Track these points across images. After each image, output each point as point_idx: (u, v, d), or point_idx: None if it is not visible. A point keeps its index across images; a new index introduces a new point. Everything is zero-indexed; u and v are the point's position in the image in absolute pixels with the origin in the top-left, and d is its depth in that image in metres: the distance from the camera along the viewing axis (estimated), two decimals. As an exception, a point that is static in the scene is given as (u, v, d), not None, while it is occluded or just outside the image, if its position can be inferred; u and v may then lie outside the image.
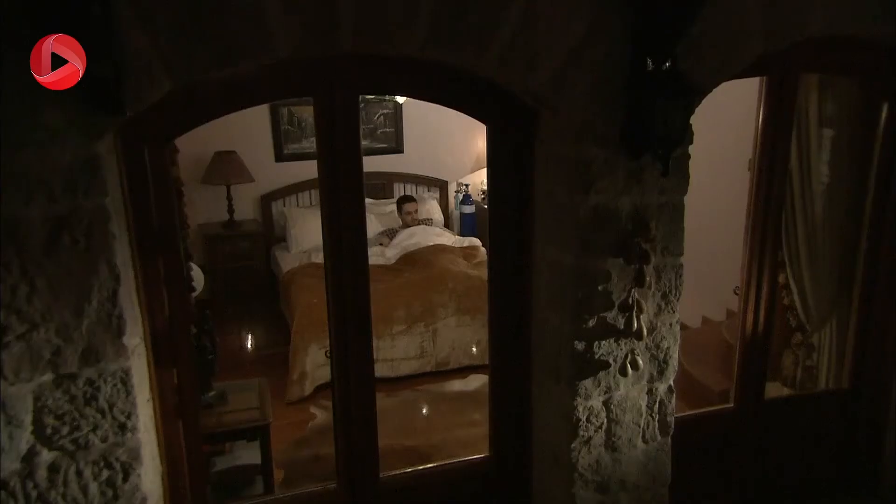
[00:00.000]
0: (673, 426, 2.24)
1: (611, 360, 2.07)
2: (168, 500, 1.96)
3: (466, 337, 4.55)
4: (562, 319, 2.08)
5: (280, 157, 5.99)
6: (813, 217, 2.86)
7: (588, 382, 2.06)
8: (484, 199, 6.51)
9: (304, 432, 3.73)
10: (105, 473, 1.68)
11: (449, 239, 5.82)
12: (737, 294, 2.69)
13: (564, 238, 2.03)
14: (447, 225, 6.57)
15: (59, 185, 1.47)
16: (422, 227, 5.83)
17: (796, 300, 2.94)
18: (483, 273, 4.79)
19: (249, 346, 5.09)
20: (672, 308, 2.12)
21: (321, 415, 3.90)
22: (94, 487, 1.68)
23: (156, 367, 1.90)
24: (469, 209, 6.45)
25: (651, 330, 2.10)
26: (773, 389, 3.00)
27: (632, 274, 2.00)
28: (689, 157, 2.00)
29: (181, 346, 1.97)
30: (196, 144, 5.26)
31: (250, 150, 5.73)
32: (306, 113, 5.92)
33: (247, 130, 5.78)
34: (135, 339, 1.73)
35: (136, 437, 1.69)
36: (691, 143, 1.99)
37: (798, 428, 2.78)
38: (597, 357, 2.05)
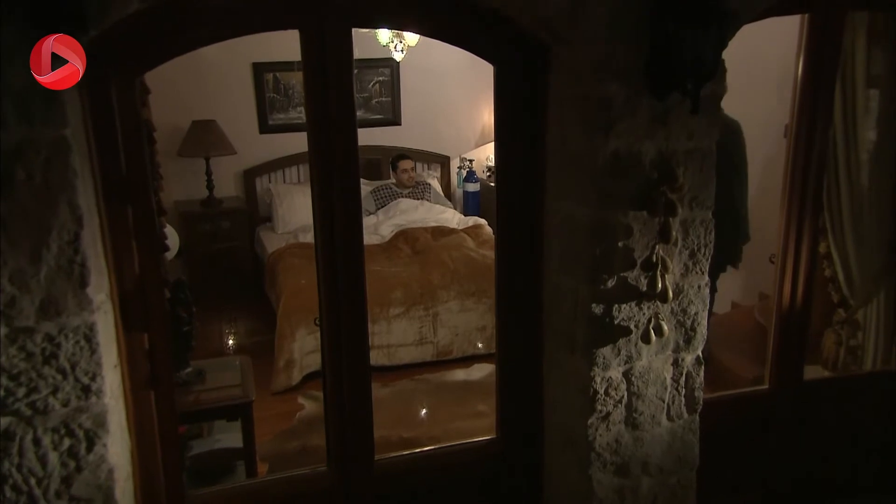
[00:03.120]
0: (701, 402, 2.21)
1: (632, 326, 2.04)
2: (138, 479, 1.94)
3: (471, 323, 4.52)
4: (577, 281, 2.04)
5: (264, 128, 5.97)
6: (858, 181, 2.82)
7: (606, 350, 2.03)
8: (490, 176, 6.48)
9: (290, 424, 3.71)
10: (66, 442, 1.65)
11: (452, 217, 5.79)
12: (772, 262, 2.66)
13: (580, 189, 2.00)
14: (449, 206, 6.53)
15: (11, 110, 1.44)
16: (420, 202, 5.79)
17: (839, 271, 2.91)
18: (489, 254, 4.79)
19: (231, 333, 5.07)
20: (701, 268, 2.09)
21: (310, 405, 3.88)
22: (53, 457, 1.65)
23: (125, 331, 1.87)
24: (473, 187, 6.42)
25: (677, 293, 2.07)
26: (813, 373, 2.97)
27: (656, 228, 1.97)
28: (720, 96, 1.97)
29: (153, 309, 1.93)
30: (171, 113, 5.23)
31: (232, 121, 5.70)
32: (294, 80, 5.90)
33: (228, 98, 5.76)
34: (100, 295, 1.70)
35: (101, 401, 1.66)
36: (723, 82, 1.95)
37: (841, 413, 2.75)
38: (616, 322, 2.02)
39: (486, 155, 6.68)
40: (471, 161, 6.56)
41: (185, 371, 2.56)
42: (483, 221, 5.72)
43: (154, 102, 2.13)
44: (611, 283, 2.00)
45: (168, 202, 5.42)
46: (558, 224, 2.11)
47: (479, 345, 4.57)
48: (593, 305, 2.00)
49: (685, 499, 2.24)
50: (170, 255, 2.30)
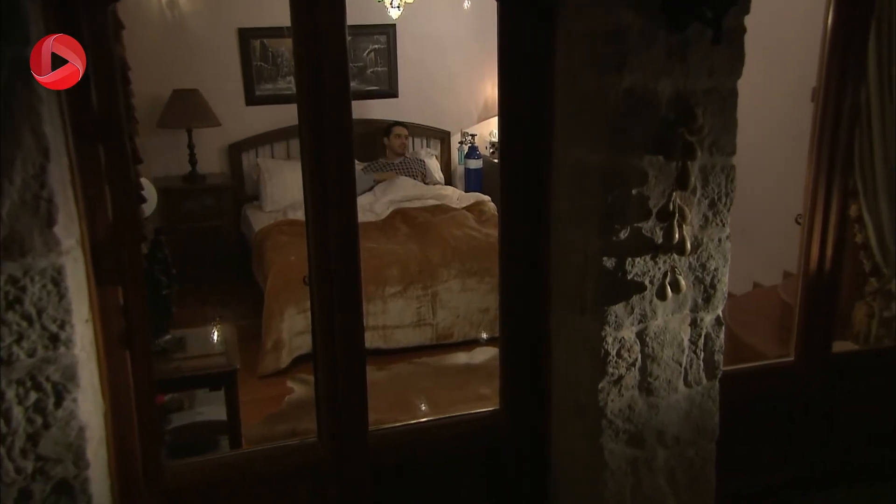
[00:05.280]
0: (721, 367, 2.18)
1: (646, 282, 2.02)
2: (112, 446, 1.91)
3: (472, 304, 4.50)
4: (587, 233, 2.02)
5: (251, 99, 5.95)
6: (894, 141, 2.79)
7: (619, 308, 2.01)
8: (493, 152, 6.46)
9: (278, 408, 3.70)
10: (33, 396, 1.63)
11: (452, 193, 5.78)
12: (799, 223, 2.64)
13: (591, 133, 1.97)
14: (449, 184, 6.52)
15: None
16: (415, 183, 5.81)
17: (871, 237, 2.89)
18: (492, 232, 4.76)
19: (216, 316, 5.04)
20: (721, 220, 2.06)
21: (300, 389, 3.87)
22: (18, 413, 1.62)
23: (97, 283, 1.84)
24: (475, 164, 6.39)
25: (696, 246, 2.04)
26: (843, 349, 2.94)
27: (673, 174, 1.95)
28: (744, 30, 1.94)
29: (128, 263, 1.91)
30: (151, 82, 5.20)
31: (216, 91, 5.67)
32: (283, 46, 5.87)
33: (211, 67, 5.73)
34: (70, 240, 1.68)
35: (71, 352, 1.64)
36: (747, 12, 1.93)
37: (873, 388, 2.73)
38: (629, 277, 2.00)
39: (489, 130, 6.65)
40: (473, 136, 6.53)
41: (164, 338, 2.54)
42: (486, 197, 5.70)
43: (132, 70, 2.10)
44: (624, 235, 1.97)
45: (147, 177, 5.39)
46: (567, 173, 2.08)
47: (483, 335, 4.55)
48: (604, 259, 1.97)
49: (704, 472, 2.22)
50: (147, 209, 2.28)
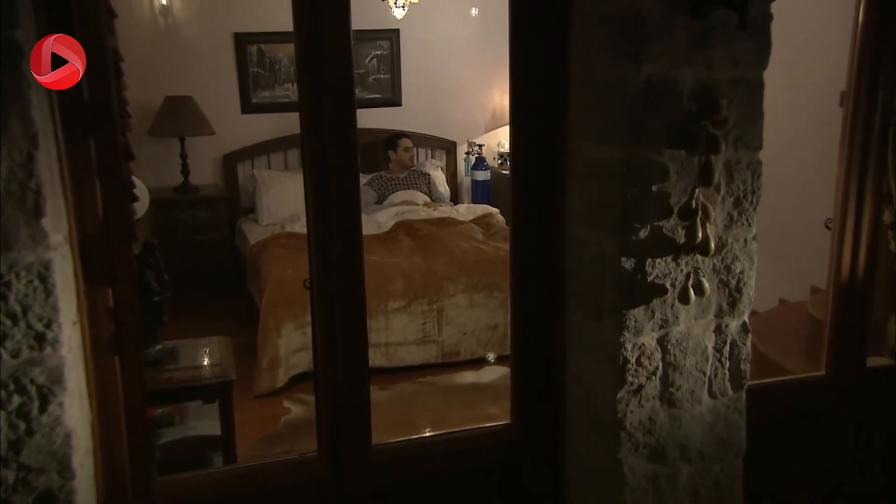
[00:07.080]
0: (748, 377, 2.16)
1: (668, 285, 2.00)
2: (99, 457, 1.90)
3: (481, 320, 4.49)
4: (604, 233, 2.01)
5: (247, 107, 5.98)
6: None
7: (638, 312, 1.99)
8: (501, 164, 6.48)
9: (275, 428, 3.68)
10: (16, 400, 1.61)
11: (461, 208, 5.81)
12: (829, 228, 2.63)
13: (608, 126, 1.97)
14: (455, 198, 6.54)
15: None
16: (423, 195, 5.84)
17: (905, 244, 2.87)
18: (501, 245, 4.77)
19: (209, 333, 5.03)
20: (748, 219, 2.05)
21: (297, 409, 3.85)
22: (0, 418, 1.61)
23: (86, 283, 1.84)
24: (483, 175, 6.41)
25: (720, 247, 2.03)
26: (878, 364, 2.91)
27: (695, 169, 1.94)
28: (771, 17, 1.94)
29: (119, 263, 1.90)
30: (143, 89, 5.24)
31: (210, 99, 5.72)
32: (280, 52, 5.92)
33: (206, 73, 5.79)
34: (58, 235, 1.67)
35: (57, 353, 1.62)
36: (773, -2, 1.93)
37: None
38: (650, 279, 1.98)
39: (497, 140, 6.68)
40: (480, 146, 6.55)
41: (155, 348, 2.53)
42: (494, 210, 5.71)
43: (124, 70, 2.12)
44: (643, 234, 1.96)
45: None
46: (583, 169, 2.08)
47: (491, 356, 4.54)
48: (623, 260, 1.96)
49: (731, 490, 2.19)
50: (139, 209, 2.28)
